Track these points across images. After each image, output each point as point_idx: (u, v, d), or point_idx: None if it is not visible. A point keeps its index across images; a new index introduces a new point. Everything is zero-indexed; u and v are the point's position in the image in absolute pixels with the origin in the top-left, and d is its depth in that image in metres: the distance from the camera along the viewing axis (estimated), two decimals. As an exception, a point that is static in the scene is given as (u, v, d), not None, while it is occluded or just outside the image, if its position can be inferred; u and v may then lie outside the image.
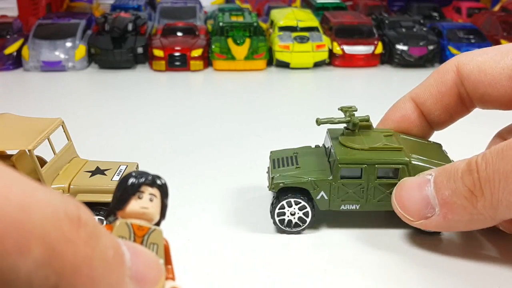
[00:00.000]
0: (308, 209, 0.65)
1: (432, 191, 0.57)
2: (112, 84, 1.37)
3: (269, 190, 0.67)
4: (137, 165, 0.68)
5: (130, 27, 1.52)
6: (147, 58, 1.51)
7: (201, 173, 0.84)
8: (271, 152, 0.73)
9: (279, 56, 1.50)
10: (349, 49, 1.53)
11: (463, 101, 0.67)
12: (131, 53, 1.47)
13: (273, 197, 0.67)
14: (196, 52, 1.48)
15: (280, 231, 0.67)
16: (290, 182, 0.65)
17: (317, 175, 0.65)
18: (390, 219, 0.69)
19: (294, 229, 0.66)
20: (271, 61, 1.53)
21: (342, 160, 0.63)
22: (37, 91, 1.34)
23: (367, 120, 0.68)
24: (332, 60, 1.54)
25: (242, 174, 0.82)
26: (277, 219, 0.66)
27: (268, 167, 0.71)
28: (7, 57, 1.46)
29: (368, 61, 1.54)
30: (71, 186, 0.63)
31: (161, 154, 0.91)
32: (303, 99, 1.29)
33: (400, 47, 1.52)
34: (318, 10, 1.84)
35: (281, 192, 0.66)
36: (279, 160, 0.70)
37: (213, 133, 1.01)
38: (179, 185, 0.79)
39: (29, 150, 0.60)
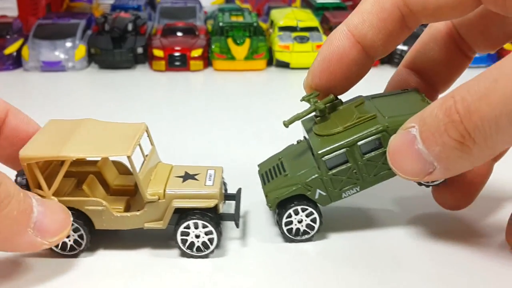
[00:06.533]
0: (315, 214, 0.64)
1: (423, 148, 0.53)
2: (112, 84, 1.37)
3: (269, 208, 0.65)
4: (222, 169, 0.67)
5: (130, 27, 1.52)
6: (147, 58, 1.51)
7: (201, 173, 0.83)
8: (258, 165, 0.72)
9: (279, 56, 1.50)
10: (349, 49, 1.53)
11: (406, 24, 0.62)
12: (131, 53, 1.47)
13: (276, 211, 0.65)
14: (196, 52, 1.47)
15: (288, 240, 0.65)
16: (284, 195, 0.63)
17: (306, 176, 0.63)
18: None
19: (303, 237, 0.65)
20: (271, 61, 1.52)
21: (323, 153, 0.62)
22: (37, 91, 1.34)
23: (332, 100, 0.66)
24: (332, 60, 1.54)
25: (242, 174, 0.82)
26: (285, 229, 0.65)
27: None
28: (7, 57, 1.46)
29: (368, 61, 1.53)
30: (167, 192, 0.61)
31: (160, 153, 0.91)
32: (303, 99, 1.29)
33: (400, 47, 1.52)
34: (318, 10, 1.84)
35: (281, 204, 0.64)
36: (267, 173, 0.68)
37: (213, 133, 1.01)
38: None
39: (128, 157, 0.59)
